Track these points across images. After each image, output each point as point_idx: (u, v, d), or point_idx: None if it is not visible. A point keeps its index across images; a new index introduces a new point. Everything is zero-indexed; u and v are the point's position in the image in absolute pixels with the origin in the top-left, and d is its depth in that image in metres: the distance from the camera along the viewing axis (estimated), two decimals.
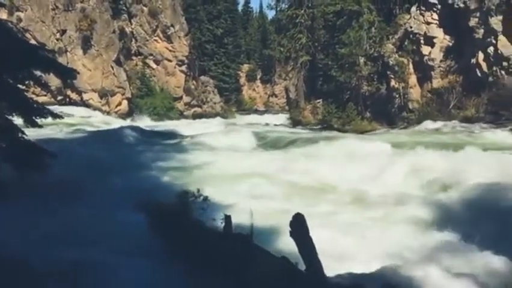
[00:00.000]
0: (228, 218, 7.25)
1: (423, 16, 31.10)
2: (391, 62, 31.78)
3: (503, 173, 11.95)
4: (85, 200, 10.12)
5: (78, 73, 14.01)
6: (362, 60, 32.24)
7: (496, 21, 26.52)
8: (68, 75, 13.34)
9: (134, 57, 43.41)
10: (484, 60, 27.46)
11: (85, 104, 37.78)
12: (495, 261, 7.24)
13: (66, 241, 7.46)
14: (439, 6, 30.31)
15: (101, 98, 38.09)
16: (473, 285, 6.58)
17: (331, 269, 6.12)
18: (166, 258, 7.07)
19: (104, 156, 16.29)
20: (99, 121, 33.31)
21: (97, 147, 18.18)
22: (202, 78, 48.93)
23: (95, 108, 37.68)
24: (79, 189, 10.95)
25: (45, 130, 13.76)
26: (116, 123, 31.43)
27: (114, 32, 38.99)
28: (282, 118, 41.76)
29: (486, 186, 11.29)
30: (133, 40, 43.20)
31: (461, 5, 28.49)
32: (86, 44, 37.71)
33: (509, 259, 7.22)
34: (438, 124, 26.82)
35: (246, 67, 63.80)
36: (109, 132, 23.68)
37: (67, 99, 37.74)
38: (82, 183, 11.42)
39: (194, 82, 46.85)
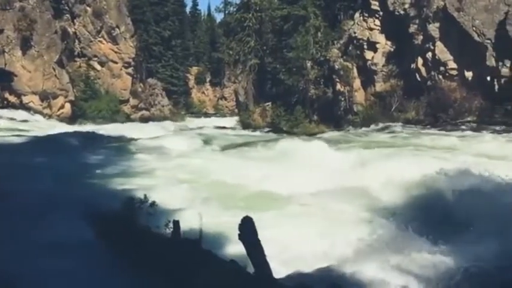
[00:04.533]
0: (176, 224, 7.15)
1: (367, 22, 32.20)
2: (336, 66, 32.66)
3: None
4: (22, 210, 9.58)
5: (15, 76, 13.28)
6: (308, 64, 32.90)
7: (433, 28, 27.95)
8: (2, 78, 12.61)
9: (77, 59, 41.91)
10: (423, 65, 28.85)
11: (25, 107, 35.95)
12: (437, 256, 7.56)
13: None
14: (381, 13, 31.50)
15: (42, 100, 36.43)
16: (416, 280, 6.84)
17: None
18: (112, 266, 6.86)
19: (44, 163, 15.57)
20: (40, 125, 31.83)
21: (36, 153, 17.34)
22: (150, 80, 48.01)
23: (35, 112, 35.97)
24: (14, 198, 10.35)
25: None
26: (58, 127, 30.15)
27: (56, 32, 37.45)
28: (232, 121, 41.74)
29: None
30: (76, 41, 41.70)
31: (402, 12, 29.80)
32: (25, 44, 35.91)
33: (450, 254, 7.56)
34: (379, 126, 28.02)
35: (195, 70, 63.34)
36: (50, 137, 22.64)
37: (5, 102, 35.79)
38: (19, 193, 10.81)
39: (141, 85, 45.92)
